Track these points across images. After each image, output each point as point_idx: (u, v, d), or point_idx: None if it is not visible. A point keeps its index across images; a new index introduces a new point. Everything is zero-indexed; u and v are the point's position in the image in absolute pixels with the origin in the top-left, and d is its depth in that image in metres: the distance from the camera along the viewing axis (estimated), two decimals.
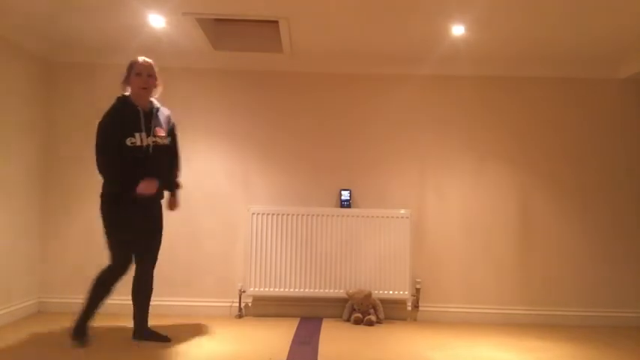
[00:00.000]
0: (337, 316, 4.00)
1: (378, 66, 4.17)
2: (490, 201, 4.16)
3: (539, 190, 4.16)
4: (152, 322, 3.78)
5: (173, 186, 3.31)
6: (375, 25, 3.49)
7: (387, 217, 4.02)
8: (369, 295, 3.86)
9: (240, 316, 4.00)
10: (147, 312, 3.23)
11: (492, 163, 4.18)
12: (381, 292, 3.97)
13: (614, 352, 3.26)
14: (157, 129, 3.12)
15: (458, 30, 3.49)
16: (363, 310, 3.86)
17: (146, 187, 3.00)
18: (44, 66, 4.05)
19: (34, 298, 3.96)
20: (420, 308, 4.07)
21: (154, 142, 3.08)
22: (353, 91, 4.21)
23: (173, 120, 3.29)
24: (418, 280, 4.06)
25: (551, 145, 4.18)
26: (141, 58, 3.11)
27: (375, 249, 3.99)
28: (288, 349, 3.11)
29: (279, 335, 3.44)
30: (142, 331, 3.21)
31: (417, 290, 4.06)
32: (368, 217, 4.02)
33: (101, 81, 4.12)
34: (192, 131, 4.17)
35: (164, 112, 3.23)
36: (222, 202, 4.14)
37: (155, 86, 3.15)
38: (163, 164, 3.18)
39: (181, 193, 3.40)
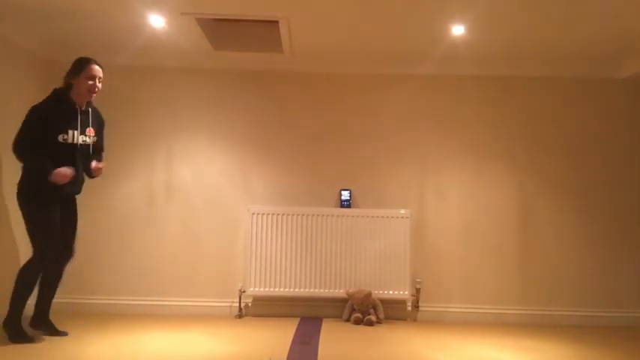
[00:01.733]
0: (337, 316, 4.00)
1: (378, 66, 4.17)
2: (490, 201, 4.16)
3: (538, 190, 4.16)
4: (151, 322, 3.78)
5: (91, 172, 3.32)
6: (375, 25, 3.49)
7: (387, 217, 4.01)
8: (369, 295, 3.86)
9: (240, 316, 4.00)
10: (51, 302, 3.31)
11: (492, 163, 4.18)
12: (381, 292, 3.97)
13: (614, 353, 3.26)
14: (89, 129, 3.23)
15: (458, 30, 3.49)
16: (363, 310, 3.86)
17: (59, 176, 3.04)
18: (44, 66, 4.05)
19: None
20: (420, 308, 4.07)
21: (83, 141, 3.19)
22: (353, 91, 4.21)
23: (103, 118, 3.39)
24: (418, 280, 4.06)
25: (550, 145, 4.18)
26: (94, 62, 3.18)
27: (375, 249, 3.99)
28: (288, 349, 3.11)
29: (279, 335, 3.44)
30: (43, 320, 3.27)
31: (417, 290, 4.06)
32: (368, 217, 4.02)
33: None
34: (192, 131, 4.17)
35: (96, 112, 3.33)
36: (222, 202, 4.14)
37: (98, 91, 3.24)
38: (85, 163, 3.25)
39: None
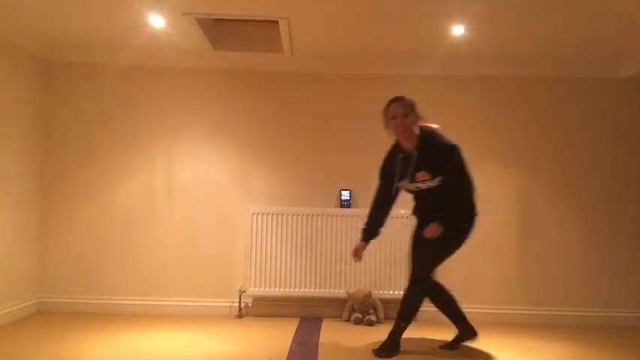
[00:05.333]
0: (337, 316, 4.00)
1: (378, 66, 4.17)
2: (490, 201, 4.15)
3: (538, 190, 4.16)
4: (151, 322, 3.78)
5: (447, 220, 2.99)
6: (375, 25, 3.49)
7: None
8: (369, 295, 3.86)
9: (240, 316, 4.00)
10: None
11: (492, 163, 4.18)
12: (381, 292, 3.97)
13: (614, 353, 3.26)
14: (418, 174, 2.96)
15: (458, 30, 3.49)
16: (363, 310, 3.86)
17: (429, 232, 2.97)
18: (44, 66, 4.05)
19: (34, 298, 3.96)
20: (420, 308, 4.06)
21: (417, 187, 3.04)
22: (353, 91, 4.21)
23: (444, 149, 3.01)
24: None
25: (551, 145, 4.18)
26: (392, 101, 3.02)
27: (375, 249, 3.99)
28: (288, 349, 3.11)
29: (279, 335, 3.44)
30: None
31: None
32: None
33: (101, 81, 4.12)
34: (192, 131, 4.17)
35: (430, 148, 2.97)
36: (222, 203, 4.13)
37: (413, 123, 3.00)
38: (438, 201, 3.00)
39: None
